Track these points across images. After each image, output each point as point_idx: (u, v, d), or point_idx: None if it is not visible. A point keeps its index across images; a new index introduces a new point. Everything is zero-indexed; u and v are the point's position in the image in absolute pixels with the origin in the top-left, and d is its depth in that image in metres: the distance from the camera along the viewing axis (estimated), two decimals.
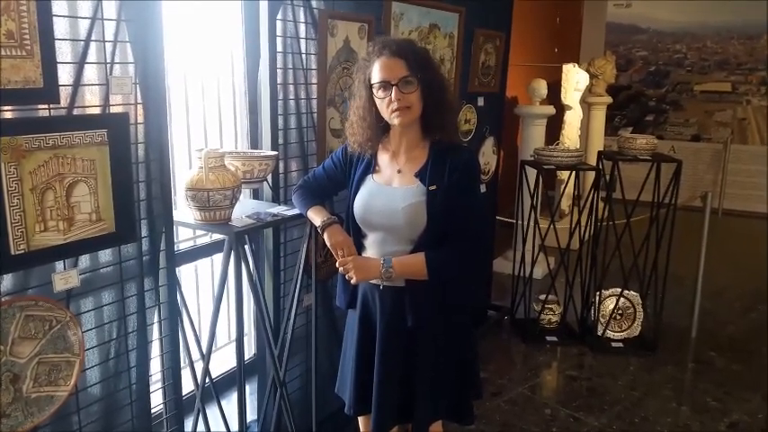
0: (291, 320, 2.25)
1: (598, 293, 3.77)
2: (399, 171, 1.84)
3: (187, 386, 2.09)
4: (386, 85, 1.73)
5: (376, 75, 1.75)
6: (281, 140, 2.32)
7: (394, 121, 1.76)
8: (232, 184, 1.92)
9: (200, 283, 2.83)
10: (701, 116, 7.69)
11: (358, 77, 1.84)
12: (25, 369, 1.55)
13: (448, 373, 1.93)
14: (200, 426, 2.16)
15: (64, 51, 1.55)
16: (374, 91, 1.76)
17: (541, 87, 5.09)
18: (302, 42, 2.33)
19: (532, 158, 3.81)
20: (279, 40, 2.23)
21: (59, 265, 1.61)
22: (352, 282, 1.85)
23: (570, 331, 3.91)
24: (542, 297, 3.90)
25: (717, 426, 2.96)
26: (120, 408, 1.85)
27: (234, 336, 2.53)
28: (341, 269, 1.85)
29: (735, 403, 3.15)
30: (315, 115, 2.42)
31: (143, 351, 1.88)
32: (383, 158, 1.88)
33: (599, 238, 3.73)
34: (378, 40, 1.84)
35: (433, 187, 1.77)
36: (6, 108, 1.46)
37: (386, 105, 1.75)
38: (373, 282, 1.86)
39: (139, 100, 1.74)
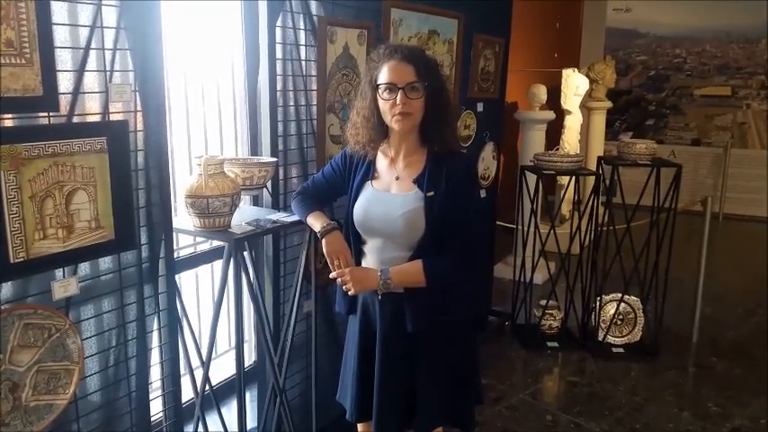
0: (291, 327, 2.25)
1: (599, 299, 3.77)
2: (398, 178, 1.84)
3: (187, 394, 2.09)
4: (392, 87, 1.73)
5: (384, 76, 1.75)
6: (280, 147, 2.33)
7: (394, 125, 1.77)
8: (231, 190, 1.92)
9: (200, 289, 2.82)
10: (701, 120, 7.70)
11: (365, 78, 1.84)
12: (24, 377, 1.55)
13: (448, 378, 1.92)
14: None
15: (63, 59, 1.55)
16: (379, 91, 1.76)
17: (541, 92, 5.09)
18: (302, 49, 2.34)
19: (532, 164, 3.81)
20: (278, 47, 2.24)
21: (59, 272, 1.61)
22: (350, 293, 1.85)
23: (571, 337, 3.90)
24: (543, 302, 3.89)
25: (719, 431, 2.95)
26: (120, 415, 1.84)
27: (234, 343, 2.53)
28: (338, 280, 1.85)
29: (736, 408, 3.14)
30: (314, 122, 2.43)
31: (143, 359, 1.87)
32: (382, 165, 1.89)
33: (599, 243, 3.73)
34: (389, 44, 1.84)
35: (431, 193, 1.77)
36: (6, 116, 1.46)
37: (389, 108, 1.75)
38: None
39: (139, 107, 1.75)
